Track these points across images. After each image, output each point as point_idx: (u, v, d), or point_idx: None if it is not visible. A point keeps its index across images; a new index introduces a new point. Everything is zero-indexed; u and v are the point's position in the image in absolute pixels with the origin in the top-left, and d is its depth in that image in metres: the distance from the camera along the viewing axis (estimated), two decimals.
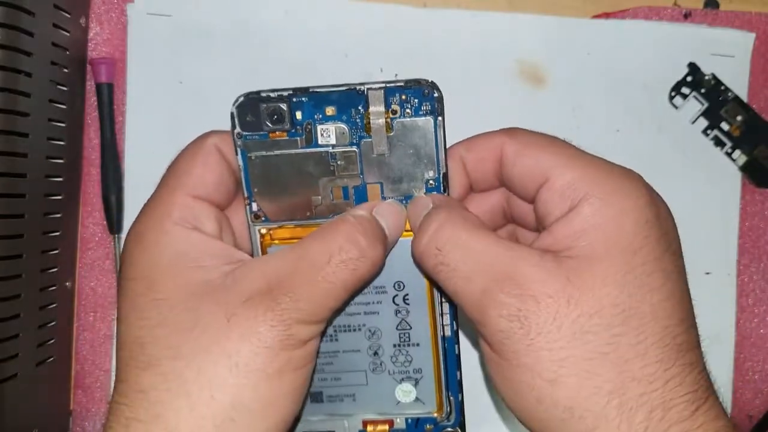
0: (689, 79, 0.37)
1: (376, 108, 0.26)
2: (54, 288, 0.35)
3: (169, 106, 0.37)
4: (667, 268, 0.22)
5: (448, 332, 0.28)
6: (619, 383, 0.21)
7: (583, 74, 0.37)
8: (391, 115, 0.26)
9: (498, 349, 0.23)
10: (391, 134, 0.26)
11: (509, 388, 0.23)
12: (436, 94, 0.26)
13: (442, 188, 0.26)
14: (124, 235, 0.37)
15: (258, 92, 0.27)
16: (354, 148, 0.26)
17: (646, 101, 0.37)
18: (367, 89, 0.25)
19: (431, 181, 0.26)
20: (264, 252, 0.27)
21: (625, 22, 0.37)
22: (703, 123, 0.37)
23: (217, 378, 0.23)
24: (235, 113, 0.27)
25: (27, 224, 0.32)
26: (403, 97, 0.26)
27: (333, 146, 0.26)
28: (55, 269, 0.35)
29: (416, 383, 0.28)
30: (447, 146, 0.26)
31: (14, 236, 0.31)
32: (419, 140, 0.26)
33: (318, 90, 0.26)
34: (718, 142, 0.37)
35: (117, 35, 0.37)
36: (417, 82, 0.25)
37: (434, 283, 0.27)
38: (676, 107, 0.37)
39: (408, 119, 0.26)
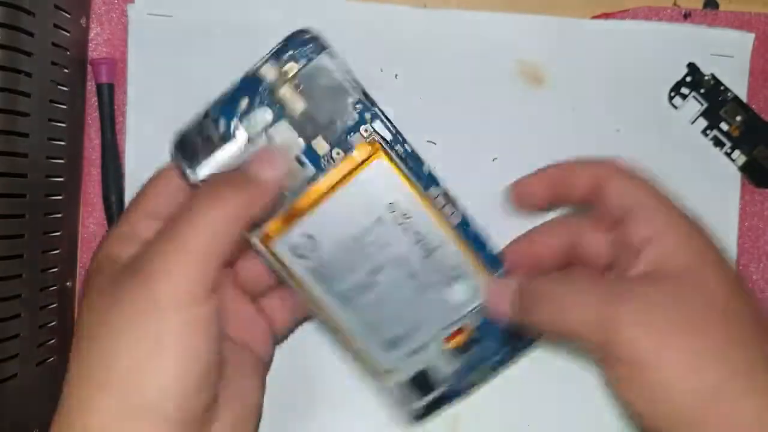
0: (689, 79, 0.37)
1: (272, 77, 0.28)
2: (54, 288, 0.35)
3: (169, 107, 0.37)
4: (729, 296, 0.26)
5: (457, 220, 0.29)
6: (727, 372, 0.24)
7: (583, 74, 0.37)
8: (288, 76, 0.28)
9: (628, 359, 0.25)
10: (300, 89, 0.28)
11: (642, 399, 0.25)
12: (312, 34, 0.28)
13: (369, 103, 0.29)
14: None
15: (180, 129, 0.29)
16: (282, 122, 0.28)
17: (645, 101, 0.37)
18: (257, 69, 0.28)
19: (357, 105, 0.28)
20: (272, 253, 0.29)
21: (624, 22, 0.37)
22: (703, 123, 0.37)
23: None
24: (177, 155, 0.29)
25: (27, 224, 0.32)
26: (289, 54, 0.28)
27: (265, 130, 0.28)
28: (56, 269, 0.35)
29: (460, 279, 0.30)
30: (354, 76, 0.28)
31: (15, 236, 0.31)
32: (326, 78, 0.28)
33: (222, 95, 0.29)
34: (718, 143, 0.37)
35: (117, 35, 0.37)
36: (290, 36, 0.28)
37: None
38: (675, 107, 0.37)
39: (304, 68, 0.28)
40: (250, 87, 0.28)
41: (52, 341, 0.35)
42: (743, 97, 0.37)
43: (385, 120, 0.29)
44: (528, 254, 0.31)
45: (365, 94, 0.29)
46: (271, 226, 0.29)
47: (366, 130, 0.29)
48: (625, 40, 0.37)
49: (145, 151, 0.37)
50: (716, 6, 0.38)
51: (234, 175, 0.27)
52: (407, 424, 0.32)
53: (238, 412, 0.28)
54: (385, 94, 0.37)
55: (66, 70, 0.35)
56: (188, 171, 0.28)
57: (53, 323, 0.35)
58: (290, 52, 0.28)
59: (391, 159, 0.29)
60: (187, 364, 0.24)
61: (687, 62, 0.37)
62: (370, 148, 0.28)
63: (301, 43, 0.28)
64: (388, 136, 0.29)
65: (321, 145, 0.28)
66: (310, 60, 0.28)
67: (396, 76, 0.37)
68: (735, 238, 0.38)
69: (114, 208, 0.37)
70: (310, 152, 0.28)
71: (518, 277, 0.29)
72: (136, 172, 0.37)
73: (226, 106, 0.28)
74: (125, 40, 0.37)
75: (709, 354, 0.24)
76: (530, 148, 0.36)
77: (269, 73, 0.28)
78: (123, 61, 0.37)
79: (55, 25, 0.33)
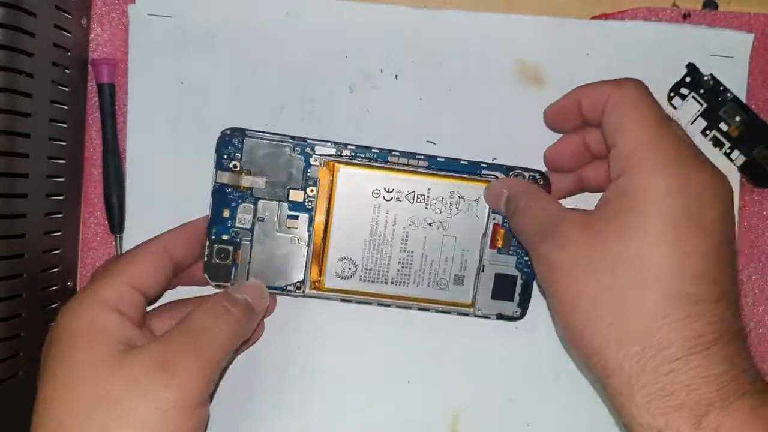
0: (688, 79, 0.37)
1: (229, 180, 0.35)
2: (56, 288, 0.35)
3: (170, 107, 0.37)
4: (686, 233, 0.27)
5: (425, 163, 0.35)
6: (617, 317, 0.27)
7: (583, 75, 0.37)
8: (238, 170, 0.35)
9: (541, 282, 0.30)
10: (253, 172, 0.35)
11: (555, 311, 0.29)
12: (229, 131, 0.34)
13: (300, 141, 0.35)
14: (125, 235, 0.37)
15: (204, 263, 0.35)
16: (260, 203, 0.35)
17: None
18: (215, 181, 0.34)
19: (295, 149, 0.34)
20: (327, 290, 0.36)
21: (624, 22, 0.37)
22: (702, 123, 0.37)
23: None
24: (212, 282, 0.35)
25: (29, 224, 0.32)
26: (225, 156, 0.34)
27: (255, 218, 0.35)
28: (57, 269, 0.35)
29: (463, 199, 0.35)
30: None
31: (16, 236, 0.31)
32: (260, 151, 0.34)
33: (210, 217, 0.35)
34: (717, 143, 0.37)
35: (118, 36, 0.37)
36: (218, 144, 0.34)
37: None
38: (675, 108, 0.37)
39: (243, 157, 0.34)
40: (221, 197, 0.34)
41: None
42: (742, 98, 0.37)
43: (321, 142, 0.35)
44: (572, 101, 0.34)
45: (292, 138, 0.34)
46: (312, 275, 0.35)
47: (315, 160, 0.35)
48: (624, 41, 0.37)
49: (146, 151, 0.37)
50: (715, 6, 0.38)
51: (246, 305, 0.32)
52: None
53: None
54: (385, 94, 0.37)
55: (67, 71, 0.35)
56: (230, 289, 0.33)
57: (54, 323, 0.35)
58: (226, 155, 0.34)
59: (347, 164, 0.35)
60: None
61: (686, 62, 0.37)
62: (326, 169, 0.35)
63: (226, 143, 0.34)
64: (332, 151, 0.35)
65: (296, 195, 0.35)
66: (241, 149, 0.34)
67: (396, 76, 0.37)
68: (734, 237, 0.38)
69: (115, 207, 0.37)
70: (293, 205, 0.35)
71: (506, 184, 0.34)
72: (137, 172, 0.37)
73: (219, 224, 0.35)
74: (126, 41, 0.37)
75: (598, 289, 0.27)
76: (530, 148, 0.37)
77: (224, 178, 0.34)
78: (124, 62, 0.37)
79: (56, 26, 0.34)
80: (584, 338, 0.28)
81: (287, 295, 0.36)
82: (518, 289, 0.36)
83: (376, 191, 0.35)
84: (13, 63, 0.30)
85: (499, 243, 0.36)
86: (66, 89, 0.35)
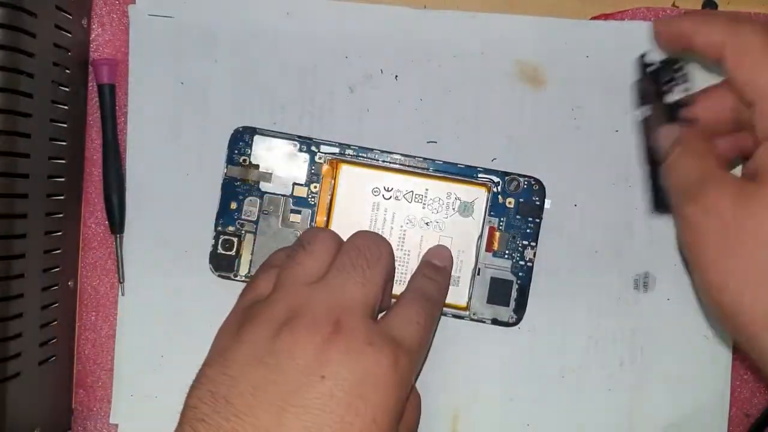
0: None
1: (239, 174, 0.36)
2: (56, 288, 0.35)
3: (170, 107, 0.37)
4: None
5: (432, 166, 0.36)
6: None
7: (582, 75, 0.37)
8: (247, 164, 0.36)
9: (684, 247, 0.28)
10: (261, 167, 0.36)
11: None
12: (241, 128, 0.36)
13: (307, 140, 0.36)
14: (125, 235, 0.37)
15: (210, 252, 0.36)
16: (266, 197, 0.36)
17: None
18: (226, 174, 0.36)
19: (301, 147, 0.36)
20: None
21: (623, 23, 0.37)
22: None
23: None
24: (216, 272, 0.37)
25: (29, 224, 0.32)
26: (236, 151, 0.36)
27: (261, 212, 0.36)
28: (58, 269, 0.35)
29: (460, 201, 0.36)
30: None
31: (17, 236, 0.31)
32: (269, 148, 0.36)
33: (218, 209, 0.36)
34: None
35: (118, 36, 0.37)
36: (230, 140, 0.36)
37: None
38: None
39: (252, 153, 0.36)
40: (229, 189, 0.36)
41: (54, 340, 0.35)
42: None
43: (326, 142, 0.36)
44: (682, 35, 0.30)
45: (299, 137, 0.36)
46: None
47: (320, 158, 0.36)
48: (624, 41, 0.37)
49: (146, 151, 0.37)
50: (715, 6, 0.38)
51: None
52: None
53: None
54: (385, 95, 0.37)
55: (67, 71, 0.35)
56: (232, 276, 0.36)
57: (55, 323, 0.35)
58: (236, 150, 0.36)
59: (349, 162, 0.36)
60: None
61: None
62: (329, 167, 0.36)
63: (238, 139, 0.36)
64: (336, 150, 0.36)
65: (300, 190, 0.36)
66: (251, 145, 0.36)
67: (396, 76, 0.37)
68: None
69: (115, 207, 0.37)
70: (297, 201, 0.36)
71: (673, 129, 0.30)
72: (137, 172, 0.37)
73: (226, 216, 0.36)
74: (126, 41, 0.37)
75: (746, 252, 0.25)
76: (530, 148, 0.37)
77: (234, 172, 0.36)
78: (124, 62, 0.37)
79: (57, 26, 0.34)
80: (737, 322, 0.26)
81: None
82: (514, 294, 0.36)
83: (375, 189, 0.36)
84: (13, 63, 0.30)
85: (495, 246, 0.36)
86: (66, 89, 0.35)
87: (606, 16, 0.38)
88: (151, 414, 0.37)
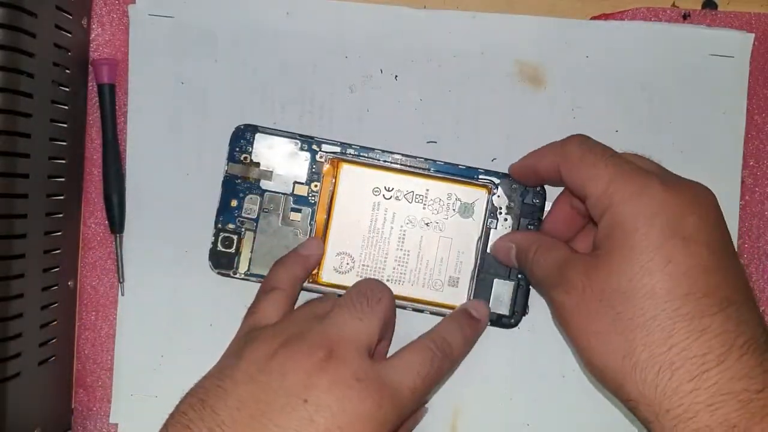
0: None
1: (240, 171, 0.36)
2: (56, 287, 0.35)
3: (170, 107, 0.37)
4: (670, 252, 0.27)
5: (433, 167, 0.36)
6: (628, 349, 0.27)
7: (582, 75, 0.37)
8: (248, 161, 0.36)
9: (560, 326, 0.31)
10: (262, 164, 0.36)
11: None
12: (242, 126, 0.36)
13: (309, 138, 0.36)
14: (125, 235, 0.37)
15: (209, 250, 0.36)
16: (266, 195, 0.36)
17: (644, 102, 0.37)
18: (226, 173, 0.36)
19: (303, 146, 0.36)
20: (324, 284, 0.36)
21: (623, 23, 0.37)
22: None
23: None
24: (216, 269, 0.37)
25: (29, 224, 0.32)
26: (237, 149, 0.36)
27: (261, 209, 0.36)
28: (58, 269, 0.35)
29: (461, 203, 0.36)
30: None
31: (17, 236, 0.31)
32: (270, 146, 0.36)
33: (218, 207, 0.36)
34: None
35: (118, 36, 0.37)
36: (232, 138, 0.36)
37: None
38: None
39: (253, 150, 0.36)
40: (230, 187, 0.36)
41: (54, 340, 0.35)
42: (743, 98, 0.37)
43: (328, 141, 0.36)
44: (528, 168, 0.34)
45: (300, 135, 0.36)
46: None
47: (321, 157, 0.36)
48: (624, 41, 0.37)
49: (146, 151, 0.37)
50: (715, 6, 0.38)
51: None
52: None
53: None
54: (385, 94, 0.37)
55: (67, 71, 0.35)
56: (231, 273, 0.36)
57: (55, 322, 0.35)
58: (238, 148, 0.35)
59: (350, 162, 0.36)
60: None
61: (687, 62, 0.37)
62: (330, 166, 0.36)
63: (239, 137, 0.36)
64: (337, 150, 0.36)
65: (301, 189, 0.36)
66: (252, 143, 0.35)
67: (396, 76, 0.37)
68: (735, 238, 0.38)
69: (115, 207, 0.37)
70: (297, 199, 0.36)
71: (512, 239, 0.35)
72: (137, 172, 0.37)
73: (226, 213, 0.36)
74: (126, 41, 0.37)
75: (608, 327, 0.28)
76: (530, 148, 0.36)
77: (235, 169, 0.36)
78: (124, 62, 0.37)
79: (57, 26, 0.34)
80: (606, 375, 0.28)
81: None
82: (514, 296, 0.36)
83: (376, 189, 0.36)
84: (13, 63, 0.30)
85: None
86: (66, 89, 0.35)
87: (606, 16, 0.38)
88: (151, 414, 0.37)
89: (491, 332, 0.36)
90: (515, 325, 0.36)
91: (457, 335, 0.32)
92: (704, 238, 0.27)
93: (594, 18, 0.38)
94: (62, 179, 0.35)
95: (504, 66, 0.37)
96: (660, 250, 0.27)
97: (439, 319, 0.36)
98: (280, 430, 0.26)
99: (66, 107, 0.35)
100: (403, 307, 0.36)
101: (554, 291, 0.30)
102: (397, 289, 0.35)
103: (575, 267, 0.30)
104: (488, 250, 0.35)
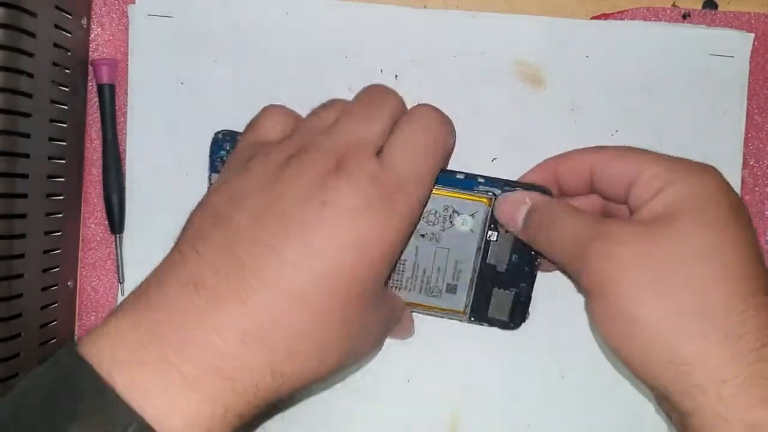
0: None
1: None
2: (56, 288, 0.35)
3: (170, 107, 0.37)
4: (730, 234, 0.27)
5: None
6: (695, 313, 0.25)
7: (582, 75, 0.37)
8: None
9: (596, 287, 0.27)
10: None
11: (610, 327, 0.27)
12: (218, 134, 0.33)
13: None
14: (125, 235, 0.37)
15: None
16: None
17: (644, 102, 0.37)
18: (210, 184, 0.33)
19: None
20: None
21: (623, 23, 0.37)
22: None
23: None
24: None
25: (29, 224, 0.32)
26: (219, 158, 0.33)
27: None
28: (57, 269, 0.35)
29: (458, 213, 0.33)
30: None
31: (16, 236, 0.31)
32: None
33: None
34: None
35: (118, 36, 0.37)
36: (211, 147, 0.33)
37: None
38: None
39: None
40: None
41: (54, 341, 0.35)
42: (743, 97, 0.37)
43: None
44: (551, 173, 0.33)
45: None
46: None
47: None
48: (624, 41, 0.37)
49: (146, 151, 0.37)
50: (715, 6, 0.38)
51: None
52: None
53: None
54: None
55: (67, 71, 0.35)
56: None
57: (54, 323, 0.35)
58: (219, 158, 0.33)
59: None
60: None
61: (686, 62, 0.37)
62: None
63: (219, 146, 0.33)
64: None
65: None
66: (234, 148, 0.31)
67: (396, 76, 0.37)
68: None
69: (115, 207, 0.37)
70: None
71: (530, 195, 0.32)
72: (137, 172, 0.37)
73: None
74: (126, 41, 0.37)
75: (669, 283, 0.26)
76: (530, 148, 0.36)
77: None
78: (124, 62, 0.37)
79: (56, 26, 0.34)
80: (660, 335, 0.26)
81: None
82: (511, 306, 0.35)
83: None
84: (13, 63, 0.30)
85: (493, 259, 0.34)
86: (66, 89, 0.35)
87: (606, 16, 0.38)
88: None
89: (491, 333, 0.36)
90: (515, 328, 0.36)
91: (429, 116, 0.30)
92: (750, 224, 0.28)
93: (594, 18, 0.38)
94: (62, 179, 0.35)
95: (504, 66, 0.37)
96: (724, 228, 0.27)
97: (439, 321, 0.36)
98: (305, 230, 0.25)
99: (65, 107, 0.35)
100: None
101: (589, 263, 0.27)
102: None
103: (624, 236, 0.27)
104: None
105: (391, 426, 0.37)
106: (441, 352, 0.37)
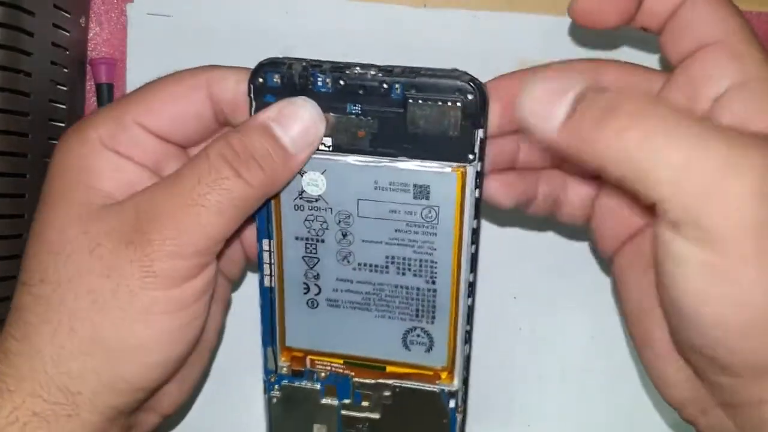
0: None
1: None
2: None
3: None
4: None
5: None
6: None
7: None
8: None
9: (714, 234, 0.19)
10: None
11: (709, 284, 0.19)
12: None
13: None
14: None
15: None
16: None
17: None
18: None
19: None
20: None
21: None
22: None
23: (78, 311, 0.22)
24: None
25: (27, 224, 0.32)
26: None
27: None
28: None
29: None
30: None
31: (15, 236, 0.31)
32: None
33: None
34: None
35: (117, 35, 0.37)
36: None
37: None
38: None
39: None
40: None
41: None
42: None
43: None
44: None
45: None
46: None
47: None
48: (625, 39, 0.37)
49: None
50: None
51: (262, 149, 0.25)
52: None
53: (204, 338, 0.27)
54: None
55: (65, 70, 0.35)
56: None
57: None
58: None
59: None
60: (170, 348, 0.23)
61: None
62: None
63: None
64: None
65: None
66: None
67: None
68: None
69: None
70: None
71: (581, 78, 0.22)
72: None
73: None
74: (125, 40, 0.37)
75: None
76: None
77: None
78: (122, 61, 0.37)
79: (55, 25, 0.33)
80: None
81: None
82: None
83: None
84: (11, 62, 0.30)
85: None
86: (64, 88, 0.35)
87: None
88: None
89: (491, 333, 0.36)
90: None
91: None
92: None
93: None
94: None
95: (505, 65, 0.37)
96: None
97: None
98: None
99: (64, 106, 0.35)
100: None
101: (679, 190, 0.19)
102: None
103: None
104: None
105: None
106: None
